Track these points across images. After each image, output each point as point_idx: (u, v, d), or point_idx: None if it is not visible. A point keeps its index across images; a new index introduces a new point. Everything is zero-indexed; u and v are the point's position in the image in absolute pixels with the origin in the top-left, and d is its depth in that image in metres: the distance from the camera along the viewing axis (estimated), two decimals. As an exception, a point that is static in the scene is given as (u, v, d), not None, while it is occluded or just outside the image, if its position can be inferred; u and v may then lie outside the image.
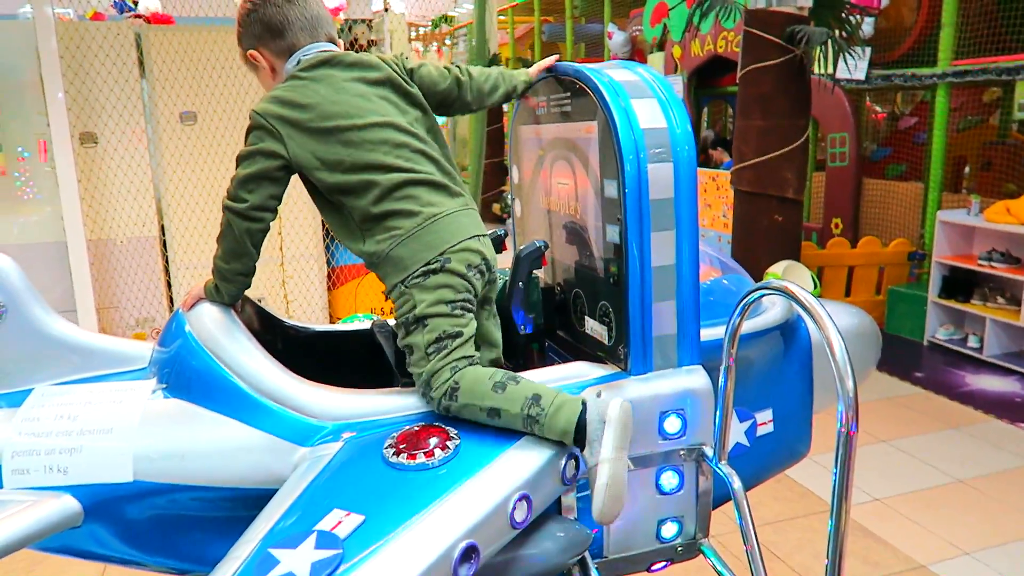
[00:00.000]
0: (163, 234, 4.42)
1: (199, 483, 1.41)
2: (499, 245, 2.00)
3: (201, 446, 1.41)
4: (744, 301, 1.44)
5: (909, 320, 5.29)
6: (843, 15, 4.65)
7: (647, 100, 1.50)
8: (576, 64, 1.62)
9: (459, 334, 1.45)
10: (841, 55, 4.51)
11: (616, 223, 1.50)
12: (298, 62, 1.56)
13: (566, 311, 1.83)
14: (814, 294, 4.05)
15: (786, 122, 4.56)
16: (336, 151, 1.47)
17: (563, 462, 1.36)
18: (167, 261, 4.46)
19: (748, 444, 1.75)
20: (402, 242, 1.47)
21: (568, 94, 1.65)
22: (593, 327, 1.68)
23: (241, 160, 1.49)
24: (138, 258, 4.39)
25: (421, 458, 1.30)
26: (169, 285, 4.50)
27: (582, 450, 1.36)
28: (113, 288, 4.40)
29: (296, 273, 4.66)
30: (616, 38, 8.64)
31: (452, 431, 1.38)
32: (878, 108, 7.22)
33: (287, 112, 1.48)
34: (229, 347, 1.47)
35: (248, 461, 1.40)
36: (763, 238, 4.73)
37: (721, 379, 1.54)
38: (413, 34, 12.47)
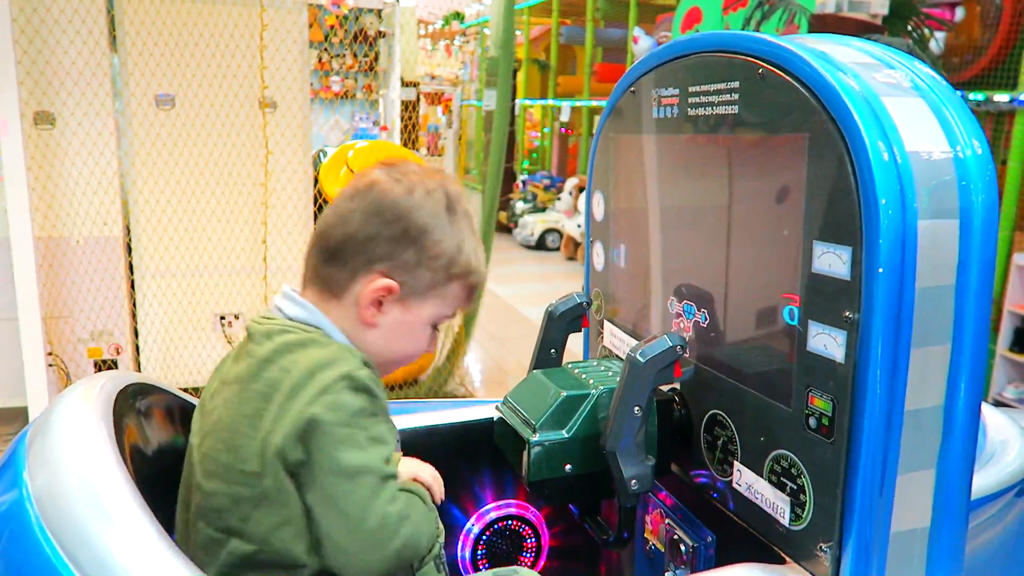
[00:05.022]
0: (128, 234, 3.90)
1: None
2: (578, 321, 1.31)
3: None
4: None
5: None
6: (912, 27, 4.13)
7: (908, 100, 0.81)
8: (743, 33, 0.94)
9: None
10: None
11: (841, 325, 0.82)
12: None
13: (687, 436, 1.13)
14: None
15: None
16: None
17: None
18: (131, 266, 3.93)
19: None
20: None
21: (733, 83, 0.96)
22: (756, 488, 0.98)
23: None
24: (96, 261, 3.83)
25: None
26: (132, 293, 3.91)
27: None
28: (65, 295, 3.86)
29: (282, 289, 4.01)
30: (642, 43, 8.12)
31: None
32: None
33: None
34: (102, 536, 0.76)
35: None
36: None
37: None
38: (422, 31, 11.85)
